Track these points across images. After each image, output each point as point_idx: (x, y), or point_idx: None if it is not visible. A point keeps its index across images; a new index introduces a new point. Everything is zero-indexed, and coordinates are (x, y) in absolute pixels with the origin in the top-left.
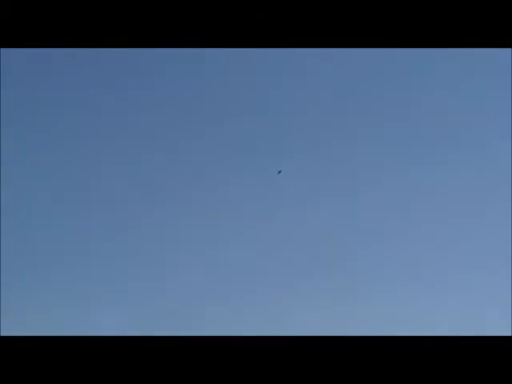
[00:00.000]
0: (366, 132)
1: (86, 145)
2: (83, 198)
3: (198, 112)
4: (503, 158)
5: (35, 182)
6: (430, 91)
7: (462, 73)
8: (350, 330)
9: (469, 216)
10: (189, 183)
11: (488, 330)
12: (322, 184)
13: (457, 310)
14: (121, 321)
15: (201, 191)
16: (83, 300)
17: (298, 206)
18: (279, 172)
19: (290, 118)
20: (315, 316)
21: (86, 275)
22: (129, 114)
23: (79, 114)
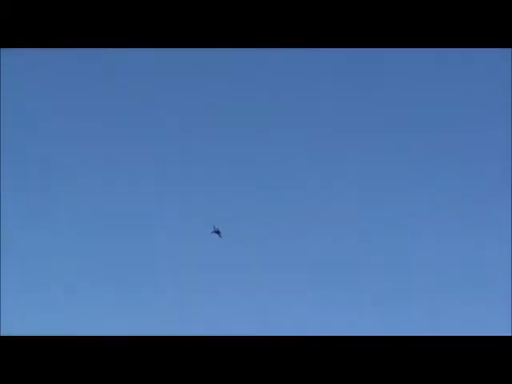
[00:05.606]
0: (365, 131)
1: (86, 144)
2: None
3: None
4: (503, 157)
5: (35, 181)
6: (430, 91)
7: (463, 73)
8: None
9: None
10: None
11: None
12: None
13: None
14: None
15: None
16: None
17: None
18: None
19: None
20: None
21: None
22: (129, 114)
23: (78, 112)
